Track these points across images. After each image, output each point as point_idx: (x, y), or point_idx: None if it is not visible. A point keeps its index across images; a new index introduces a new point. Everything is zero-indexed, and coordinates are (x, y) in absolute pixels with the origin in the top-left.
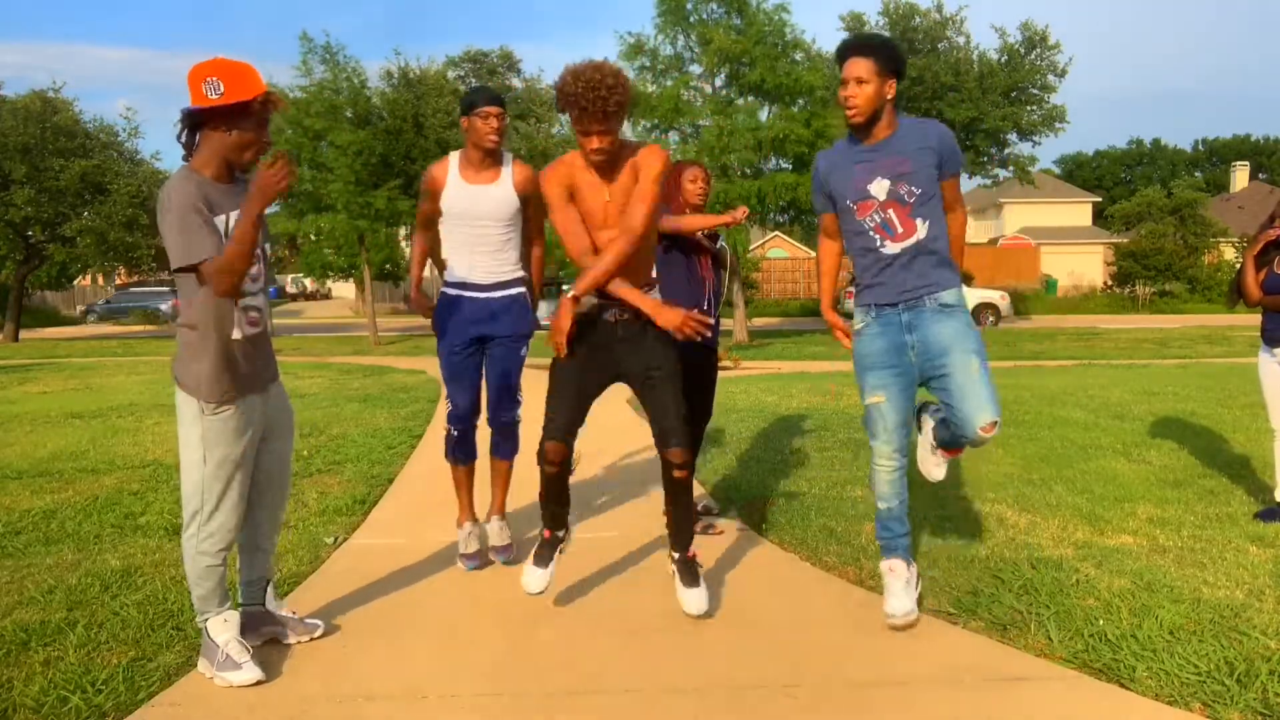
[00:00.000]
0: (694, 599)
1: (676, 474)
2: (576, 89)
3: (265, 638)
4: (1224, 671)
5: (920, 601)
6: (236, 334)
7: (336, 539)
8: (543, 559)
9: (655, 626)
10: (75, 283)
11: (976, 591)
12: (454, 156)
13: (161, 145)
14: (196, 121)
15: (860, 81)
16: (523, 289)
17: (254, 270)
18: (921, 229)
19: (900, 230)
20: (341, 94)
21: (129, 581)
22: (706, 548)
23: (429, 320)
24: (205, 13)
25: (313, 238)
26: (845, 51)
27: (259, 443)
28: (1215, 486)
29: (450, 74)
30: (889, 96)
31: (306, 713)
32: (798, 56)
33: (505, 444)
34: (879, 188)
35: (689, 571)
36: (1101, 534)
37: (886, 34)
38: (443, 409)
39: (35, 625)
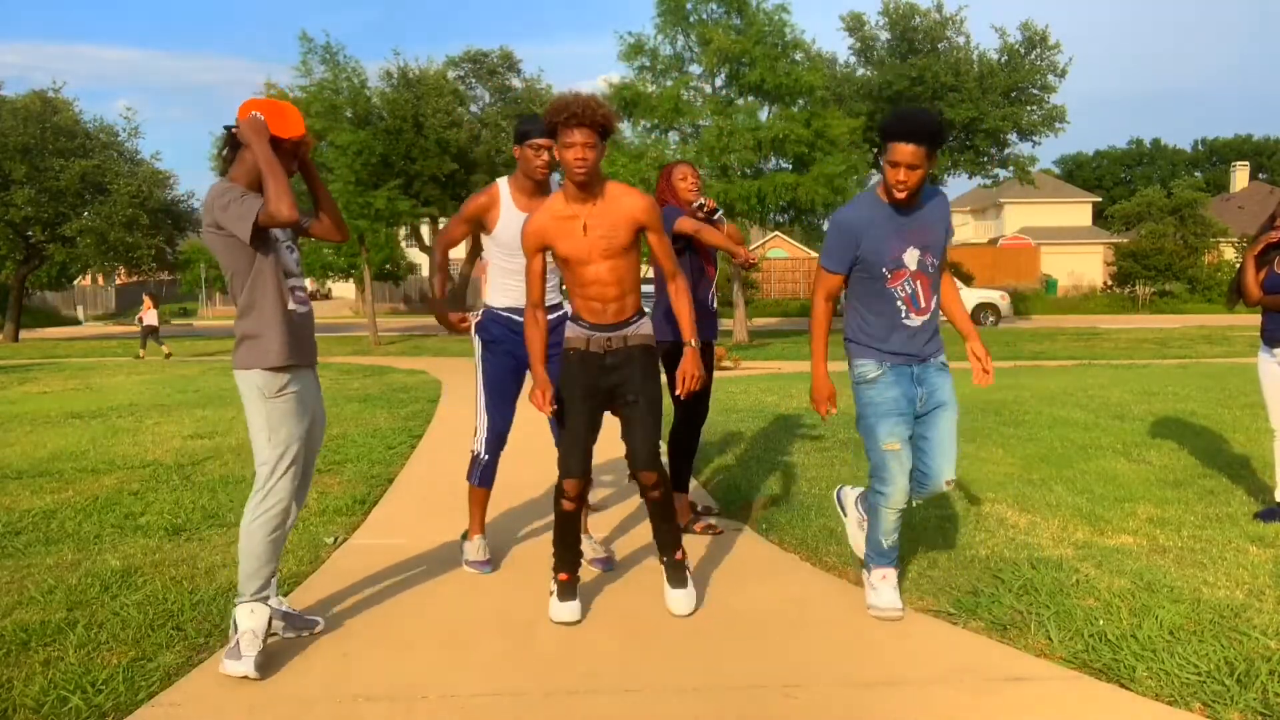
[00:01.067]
0: (679, 600)
1: (652, 494)
2: (569, 100)
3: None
4: (1224, 671)
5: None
6: (291, 305)
7: (336, 539)
8: (566, 594)
9: (655, 626)
10: (75, 283)
11: (976, 591)
12: (503, 184)
13: (161, 145)
14: (237, 142)
15: (913, 168)
16: (564, 311)
17: (294, 255)
18: (934, 303)
19: (924, 305)
20: (341, 94)
21: (129, 581)
22: (706, 548)
23: (463, 330)
24: (206, 13)
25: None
26: (897, 135)
27: None
28: (1215, 486)
29: (450, 74)
30: (932, 173)
31: (306, 713)
32: (798, 56)
33: (488, 470)
34: (911, 257)
35: (676, 573)
36: (1101, 534)
37: (926, 111)
38: (444, 410)
39: (35, 625)
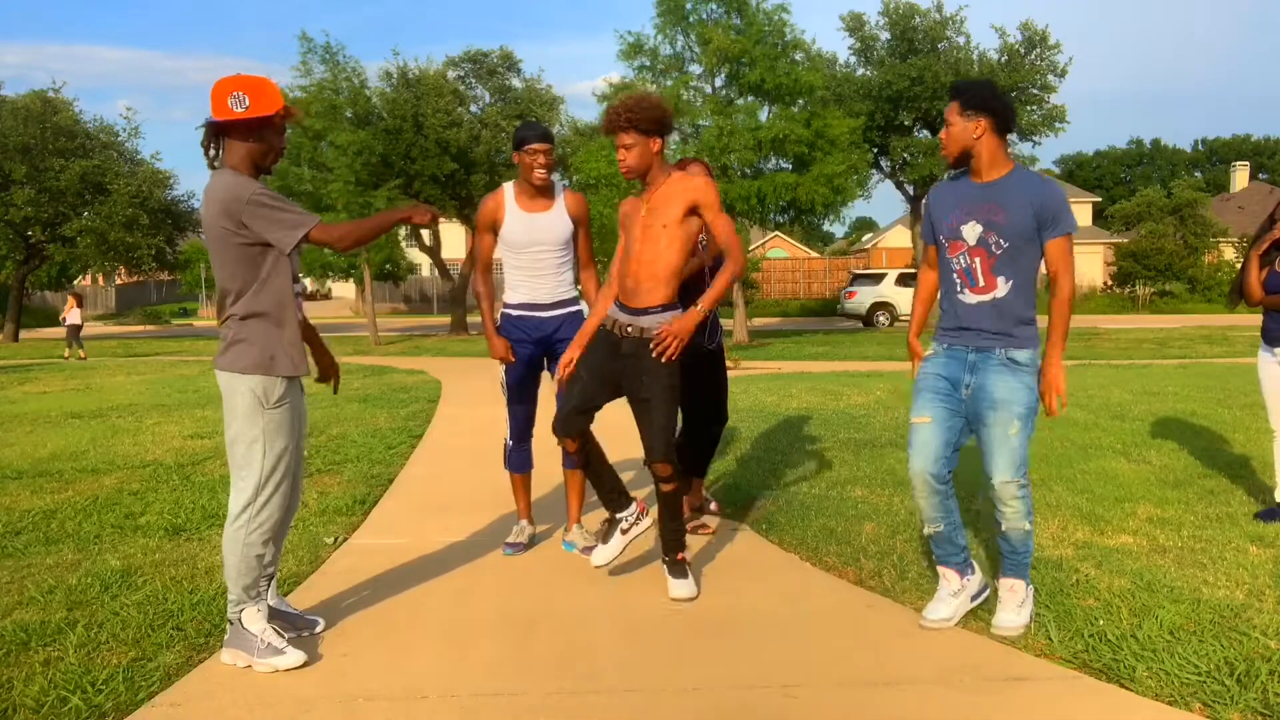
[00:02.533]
0: (677, 586)
1: (664, 487)
2: (607, 109)
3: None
4: (1224, 671)
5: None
6: (299, 314)
7: (336, 539)
8: (605, 536)
9: (655, 626)
10: (75, 283)
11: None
12: (508, 188)
13: (161, 146)
14: (220, 130)
15: (947, 124)
16: (579, 306)
17: (296, 262)
18: (1002, 287)
19: (981, 283)
20: (341, 94)
21: (129, 581)
22: (706, 548)
23: (508, 360)
24: (206, 14)
25: None
26: (950, 94)
27: None
28: (1215, 486)
29: (450, 74)
30: (977, 137)
31: (306, 713)
32: (798, 56)
33: (520, 456)
34: (971, 231)
35: (676, 568)
36: (1101, 534)
37: (986, 81)
38: (444, 410)
39: (35, 625)
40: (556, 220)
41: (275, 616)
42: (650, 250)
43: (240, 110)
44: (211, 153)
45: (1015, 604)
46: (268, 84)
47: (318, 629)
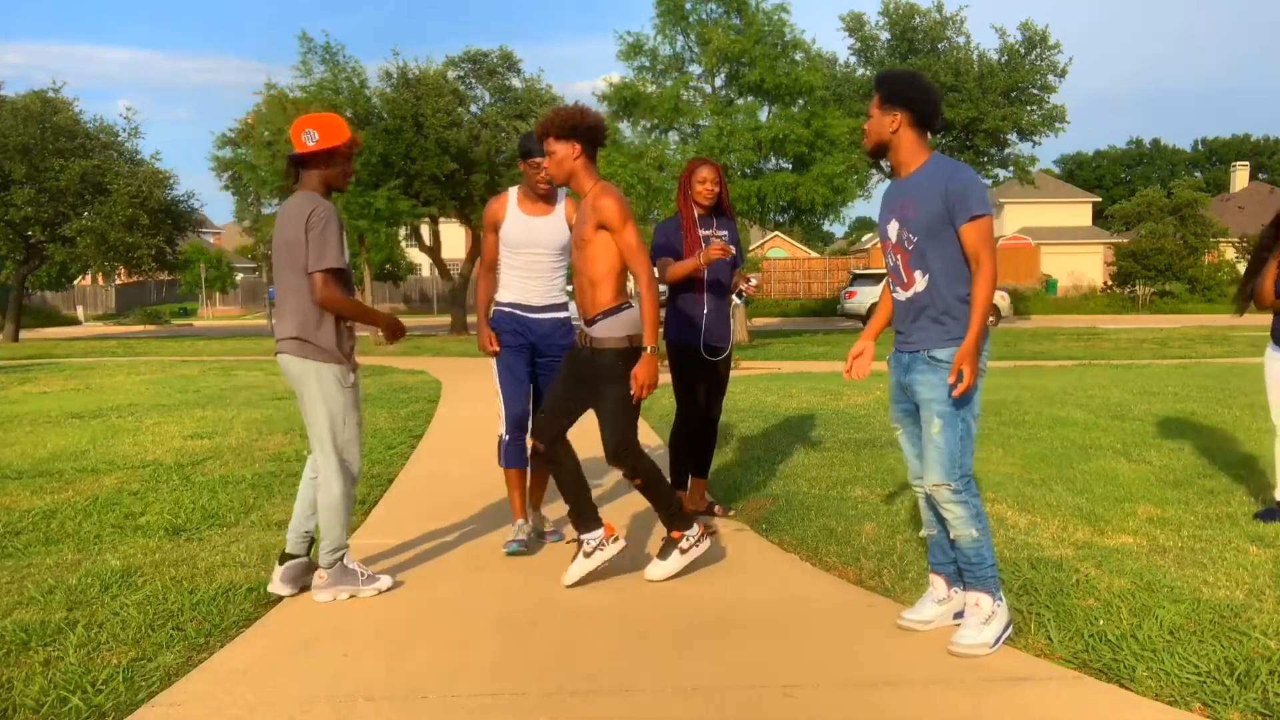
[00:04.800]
0: (652, 566)
1: (633, 482)
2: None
3: (300, 587)
4: (1224, 671)
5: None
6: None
7: None
8: (575, 556)
9: (655, 626)
10: (75, 283)
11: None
12: (513, 191)
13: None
14: (297, 162)
15: (868, 116)
16: (567, 312)
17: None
18: (920, 282)
19: (905, 280)
20: (341, 94)
21: (129, 581)
22: (707, 548)
23: (492, 348)
24: (206, 14)
25: None
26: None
27: None
28: (1215, 486)
29: (450, 74)
30: (892, 129)
31: (306, 713)
32: (797, 56)
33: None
34: (893, 229)
35: (665, 548)
36: (1101, 534)
37: (910, 73)
38: (444, 410)
39: (35, 625)
40: (554, 226)
41: (309, 571)
42: (582, 259)
43: (312, 144)
44: (292, 175)
45: (978, 621)
46: (333, 120)
47: (345, 595)
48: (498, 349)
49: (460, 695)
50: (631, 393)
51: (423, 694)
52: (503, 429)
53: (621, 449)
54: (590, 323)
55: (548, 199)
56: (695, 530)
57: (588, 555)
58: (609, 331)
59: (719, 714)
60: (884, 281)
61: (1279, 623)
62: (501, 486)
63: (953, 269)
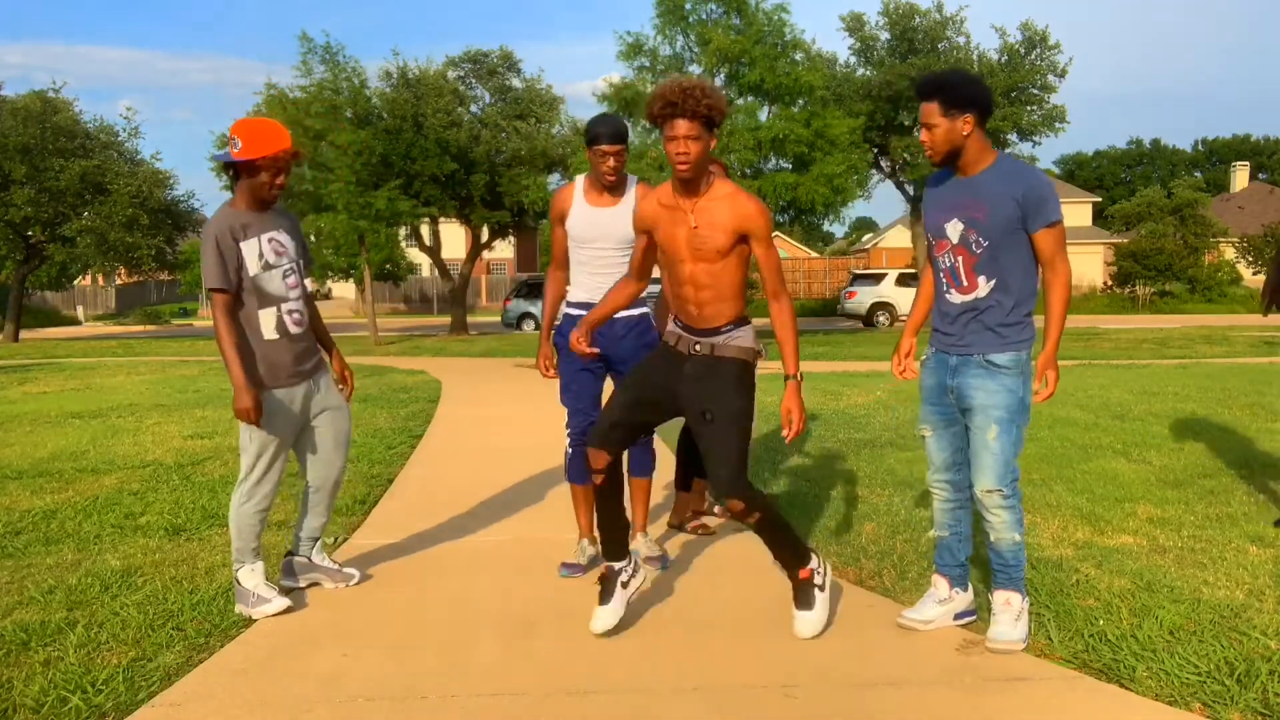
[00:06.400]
0: (800, 620)
1: (746, 521)
2: (667, 89)
3: (309, 582)
4: (1224, 671)
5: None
6: (273, 335)
7: (336, 539)
8: (605, 595)
9: (655, 626)
10: (75, 283)
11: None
12: (580, 180)
13: (162, 146)
14: (236, 170)
15: (930, 127)
16: (645, 309)
17: (291, 280)
18: (984, 287)
19: (964, 283)
20: (341, 94)
21: (129, 581)
22: (706, 547)
23: (549, 374)
24: (206, 14)
25: (312, 238)
26: (917, 93)
27: (305, 426)
28: (1215, 486)
29: (450, 74)
30: (965, 133)
31: (306, 713)
32: (797, 56)
33: (639, 461)
34: (954, 229)
35: (801, 593)
36: (1101, 534)
37: (957, 70)
38: (444, 410)
39: (35, 625)
40: (620, 217)
41: (312, 570)
42: (706, 274)
43: (235, 151)
44: (231, 180)
45: (1011, 617)
46: (266, 128)
47: (353, 581)
48: (555, 374)
49: (460, 695)
50: (783, 432)
51: (423, 694)
52: (567, 442)
53: (739, 477)
54: (707, 334)
55: (614, 189)
56: (816, 560)
57: (624, 585)
58: (743, 341)
59: (719, 714)
60: (923, 275)
61: (1279, 623)
62: (501, 486)
63: (1018, 280)
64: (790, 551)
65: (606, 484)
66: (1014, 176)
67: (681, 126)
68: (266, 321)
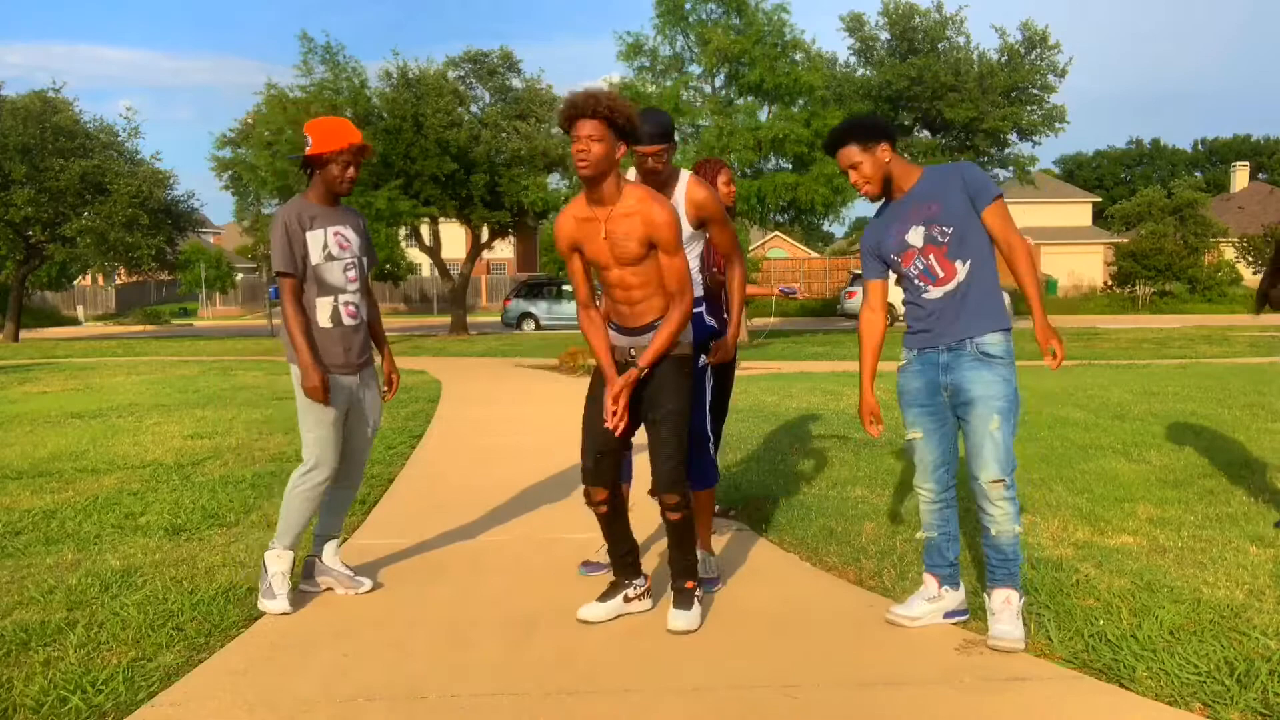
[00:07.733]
0: (678, 617)
1: (670, 516)
2: (575, 96)
3: (323, 586)
4: (1224, 671)
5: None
6: (327, 323)
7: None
8: (606, 595)
9: (655, 627)
10: (75, 283)
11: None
12: (630, 177)
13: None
14: (310, 165)
15: (854, 166)
16: (701, 307)
17: (351, 274)
18: (962, 270)
19: (941, 274)
20: (341, 94)
21: (129, 581)
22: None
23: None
24: (206, 14)
25: None
26: (826, 148)
27: (344, 418)
28: (1215, 486)
29: (450, 74)
30: (886, 160)
31: (306, 713)
32: (797, 56)
33: (699, 473)
34: (915, 235)
35: (682, 597)
36: (1101, 534)
37: (853, 115)
38: (444, 410)
39: (35, 625)
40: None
41: (325, 572)
42: (633, 275)
43: (307, 149)
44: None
45: (1012, 615)
46: (333, 126)
47: (363, 589)
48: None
49: (460, 695)
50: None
51: (423, 694)
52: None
53: (680, 474)
54: (642, 331)
55: (665, 184)
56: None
57: (628, 600)
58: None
59: (719, 714)
60: (862, 329)
61: (1279, 623)
62: (501, 486)
63: (987, 258)
64: (690, 560)
65: (610, 512)
66: (947, 172)
67: (583, 126)
68: (322, 309)
